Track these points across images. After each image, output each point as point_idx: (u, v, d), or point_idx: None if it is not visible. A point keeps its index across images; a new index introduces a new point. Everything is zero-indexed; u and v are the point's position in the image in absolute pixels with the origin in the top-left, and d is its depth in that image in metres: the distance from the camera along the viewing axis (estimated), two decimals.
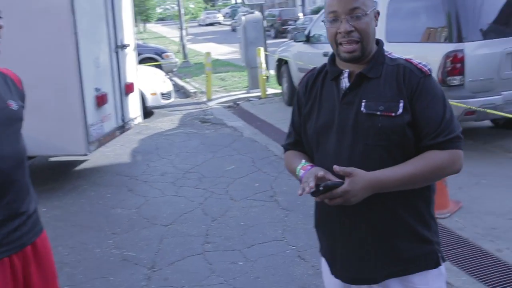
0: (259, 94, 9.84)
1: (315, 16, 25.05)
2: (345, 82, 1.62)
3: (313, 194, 1.46)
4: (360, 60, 1.59)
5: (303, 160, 1.69)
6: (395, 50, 6.02)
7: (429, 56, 5.05)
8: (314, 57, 7.43)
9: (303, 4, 40.38)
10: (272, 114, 8.26)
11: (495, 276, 3.02)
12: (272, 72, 10.28)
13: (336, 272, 1.68)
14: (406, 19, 5.82)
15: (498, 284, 2.94)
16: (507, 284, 2.95)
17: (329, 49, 6.11)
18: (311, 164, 1.66)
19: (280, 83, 9.39)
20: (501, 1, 5.21)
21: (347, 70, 1.62)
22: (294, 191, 4.66)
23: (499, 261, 3.19)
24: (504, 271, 3.07)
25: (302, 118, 1.77)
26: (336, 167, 1.46)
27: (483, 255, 3.28)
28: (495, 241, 3.46)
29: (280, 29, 26.95)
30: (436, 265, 1.61)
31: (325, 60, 7.24)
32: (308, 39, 7.79)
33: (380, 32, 5.85)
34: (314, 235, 1.85)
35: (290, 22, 26.38)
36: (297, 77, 8.19)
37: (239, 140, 6.79)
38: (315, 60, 7.32)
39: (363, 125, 1.55)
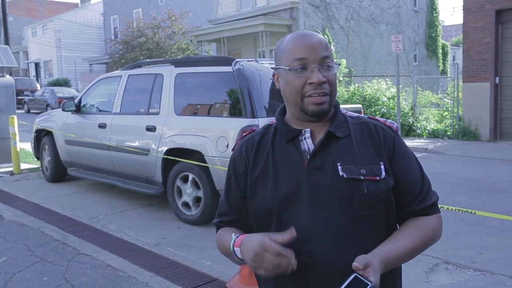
0: (10, 169, 8.44)
1: (56, 88, 23.76)
2: (307, 143, 1.37)
3: None
4: (326, 116, 1.40)
5: (235, 235, 1.37)
6: (187, 122, 5.80)
7: (225, 129, 5.16)
8: (88, 128, 6.81)
9: (37, 75, 37.85)
10: (34, 192, 7.12)
11: None
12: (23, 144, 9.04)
13: None
14: (196, 94, 5.90)
15: None
16: None
17: (103, 120, 6.03)
18: (245, 234, 1.35)
19: (38, 157, 8.28)
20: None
21: (308, 129, 1.39)
22: (97, 281, 3.98)
23: None
24: None
25: (242, 192, 1.45)
26: (357, 266, 1.19)
27: None
28: None
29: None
30: None
31: (101, 132, 6.77)
32: (79, 109, 7.14)
33: (169, 105, 5.76)
34: None
35: (26, 93, 24.20)
36: (64, 150, 7.34)
37: (1, 225, 5.55)
38: (89, 132, 6.73)
39: (344, 193, 1.31)
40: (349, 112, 1.48)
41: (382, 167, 1.35)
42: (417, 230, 1.36)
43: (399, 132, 1.47)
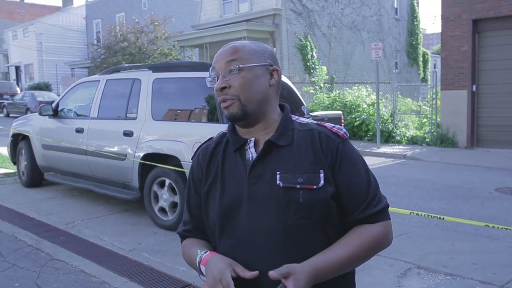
0: None
1: (36, 92, 23.48)
2: (251, 153, 1.39)
3: None
4: (245, 121, 1.39)
5: (200, 251, 1.40)
6: (164, 127, 5.81)
7: (201, 135, 5.16)
8: (65, 133, 6.76)
9: (17, 79, 37.37)
10: (9, 197, 7.03)
11: None
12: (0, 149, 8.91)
13: None
14: (173, 100, 5.90)
15: None
16: None
17: (80, 124, 5.97)
18: (212, 252, 1.38)
19: (14, 161, 8.18)
20: None
21: (253, 138, 1.40)
22: (69, 287, 3.94)
23: None
24: None
25: (201, 199, 1.47)
26: (272, 274, 1.21)
27: None
28: None
29: None
30: None
31: (78, 136, 6.72)
32: (56, 113, 7.08)
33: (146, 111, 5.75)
34: None
35: (6, 96, 23.88)
36: (41, 154, 7.26)
37: None
38: (66, 137, 6.68)
39: (281, 201, 1.32)
40: (300, 118, 1.48)
41: (322, 175, 1.33)
42: (356, 238, 1.34)
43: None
